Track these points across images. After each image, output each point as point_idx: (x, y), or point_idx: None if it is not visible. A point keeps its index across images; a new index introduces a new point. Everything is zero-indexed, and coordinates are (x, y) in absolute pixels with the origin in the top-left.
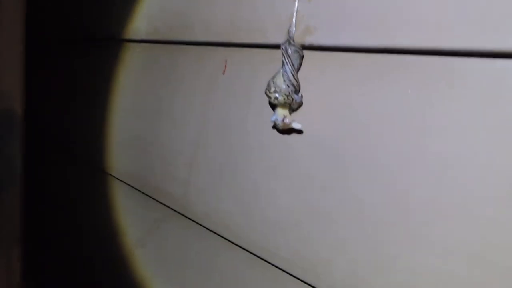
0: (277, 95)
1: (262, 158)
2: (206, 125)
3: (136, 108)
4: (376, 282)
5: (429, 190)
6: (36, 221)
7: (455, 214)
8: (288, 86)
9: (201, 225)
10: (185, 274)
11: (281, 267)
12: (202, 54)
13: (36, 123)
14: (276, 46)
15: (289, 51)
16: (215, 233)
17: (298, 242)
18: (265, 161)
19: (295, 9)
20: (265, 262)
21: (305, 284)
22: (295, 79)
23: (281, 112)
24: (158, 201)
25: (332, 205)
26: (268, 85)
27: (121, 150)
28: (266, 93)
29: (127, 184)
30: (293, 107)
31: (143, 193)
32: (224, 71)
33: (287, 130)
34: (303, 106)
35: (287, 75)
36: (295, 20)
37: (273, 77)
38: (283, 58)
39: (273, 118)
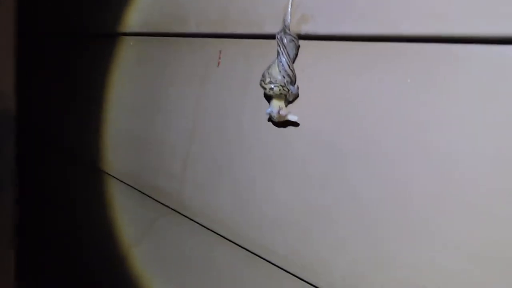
0: (272, 86)
1: (258, 153)
2: (201, 119)
3: (131, 104)
4: (376, 279)
5: (429, 184)
6: (34, 220)
7: (456, 210)
8: (284, 77)
9: (198, 223)
10: (183, 271)
11: (278, 265)
12: (196, 46)
13: (31, 121)
14: (271, 36)
15: (285, 40)
16: (212, 230)
17: (296, 239)
18: (261, 156)
19: None
20: (263, 260)
21: (303, 282)
22: (291, 70)
23: (276, 103)
24: (154, 199)
25: (330, 201)
26: (263, 76)
27: (116, 148)
28: (261, 84)
29: (124, 182)
30: (289, 98)
31: (140, 191)
32: (218, 63)
33: (283, 123)
34: (299, 97)
35: (283, 66)
36: (291, 8)
37: (268, 68)
38: (279, 48)
39: (269, 110)
